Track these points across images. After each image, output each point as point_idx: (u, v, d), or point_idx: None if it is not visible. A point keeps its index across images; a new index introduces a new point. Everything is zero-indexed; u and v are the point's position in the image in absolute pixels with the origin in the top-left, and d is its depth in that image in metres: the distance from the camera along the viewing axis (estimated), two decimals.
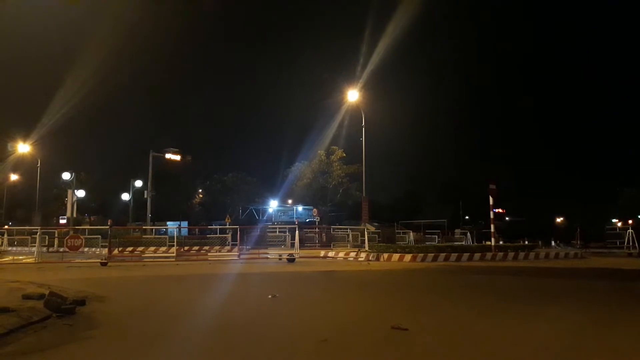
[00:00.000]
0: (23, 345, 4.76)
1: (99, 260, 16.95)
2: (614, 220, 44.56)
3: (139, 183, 39.84)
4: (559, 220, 63.92)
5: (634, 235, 25.54)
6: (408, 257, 18.56)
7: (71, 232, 21.30)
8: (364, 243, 21.68)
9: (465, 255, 19.10)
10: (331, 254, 22.09)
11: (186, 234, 32.30)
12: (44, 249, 21.20)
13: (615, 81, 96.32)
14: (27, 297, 6.94)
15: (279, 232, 30.88)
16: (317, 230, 32.16)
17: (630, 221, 26.19)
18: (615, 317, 6.59)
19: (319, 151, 39.16)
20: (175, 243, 20.89)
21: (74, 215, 31.24)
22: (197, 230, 35.19)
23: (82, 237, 19.46)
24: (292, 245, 20.51)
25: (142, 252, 24.20)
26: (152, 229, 32.89)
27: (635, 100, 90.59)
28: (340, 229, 32.85)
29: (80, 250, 18.75)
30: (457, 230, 43.28)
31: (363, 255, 19.75)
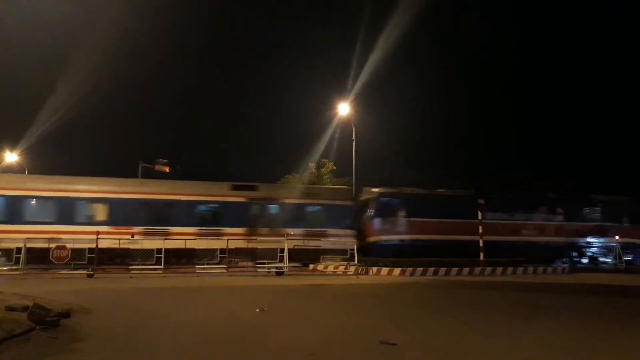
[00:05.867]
0: (5, 358, 4.67)
1: (85, 272, 16.74)
2: None
3: None
4: None
5: (620, 251, 25.80)
6: (397, 271, 18.56)
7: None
8: (354, 256, 21.62)
9: (454, 269, 19.14)
10: (320, 267, 22.01)
11: None
12: None
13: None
14: (10, 308, 6.81)
15: None
16: None
17: (617, 237, 26.43)
18: (602, 331, 6.62)
19: (309, 164, 39.19)
20: (162, 255, 20.61)
21: None
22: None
23: (68, 247, 19.17)
24: (281, 258, 20.40)
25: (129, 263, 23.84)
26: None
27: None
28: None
29: (66, 261, 18.48)
30: None
31: (352, 268, 19.70)
